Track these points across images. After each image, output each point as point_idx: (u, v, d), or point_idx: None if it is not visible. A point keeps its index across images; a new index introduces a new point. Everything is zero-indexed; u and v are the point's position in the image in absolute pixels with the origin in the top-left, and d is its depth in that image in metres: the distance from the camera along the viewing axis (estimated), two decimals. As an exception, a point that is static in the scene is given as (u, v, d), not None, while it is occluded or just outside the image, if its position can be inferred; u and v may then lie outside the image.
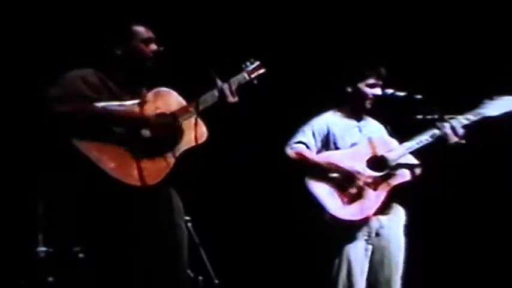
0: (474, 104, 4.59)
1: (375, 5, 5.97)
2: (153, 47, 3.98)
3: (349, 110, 4.73)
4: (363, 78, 4.65)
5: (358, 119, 4.73)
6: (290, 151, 4.62)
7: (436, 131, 4.52)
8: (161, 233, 3.84)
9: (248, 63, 4.20)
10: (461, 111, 4.57)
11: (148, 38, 3.98)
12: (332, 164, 4.56)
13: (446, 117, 4.51)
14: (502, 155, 5.77)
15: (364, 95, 4.65)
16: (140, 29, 3.99)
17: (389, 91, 4.62)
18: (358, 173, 4.52)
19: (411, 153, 4.57)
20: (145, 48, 3.96)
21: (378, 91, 4.64)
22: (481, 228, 5.89)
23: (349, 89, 4.68)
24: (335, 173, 4.53)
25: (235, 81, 4.11)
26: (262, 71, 4.22)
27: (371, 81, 4.65)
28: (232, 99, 4.01)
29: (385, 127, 4.78)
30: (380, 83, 4.65)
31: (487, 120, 4.53)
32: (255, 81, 4.19)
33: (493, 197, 5.86)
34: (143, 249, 3.79)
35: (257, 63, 4.22)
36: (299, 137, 4.65)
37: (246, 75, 4.17)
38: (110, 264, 3.78)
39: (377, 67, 4.68)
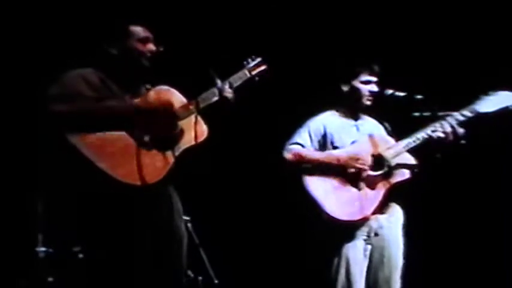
0: (469, 100, 4.58)
1: (373, 6, 5.99)
2: (151, 46, 3.95)
3: (347, 110, 4.72)
4: (356, 75, 4.64)
5: (356, 118, 4.72)
6: (287, 153, 4.60)
7: (434, 128, 4.52)
8: (161, 233, 3.83)
9: (249, 60, 4.18)
10: (457, 108, 4.57)
11: (145, 37, 3.95)
12: (331, 155, 4.55)
13: (442, 114, 4.51)
14: (501, 152, 5.78)
15: (360, 92, 4.65)
16: (137, 29, 3.96)
17: (389, 91, 4.62)
18: (358, 159, 4.51)
19: (410, 152, 4.57)
20: (142, 48, 3.94)
21: (373, 88, 4.64)
22: (481, 227, 5.89)
23: (345, 88, 4.68)
24: (334, 164, 4.51)
25: (235, 78, 4.10)
26: (263, 67, 4.19)
27: (364, 77, 4.64)
28: (230, 94, 3.98)
29: (384, 126, 4.77)
30: (374, 79, 4.65)
31: (483, 117, 4.53)
32: (256, 79, 4.18)
33: (493, 196, 5.86)
34: (143, 249, 3.78)
35: (258, 59, 4.18)
36: (295, 138, 4.64)
37: (246, 72, 4.15)
38: (109, 264, 3.76)
39: (369, 63, 4.68)
